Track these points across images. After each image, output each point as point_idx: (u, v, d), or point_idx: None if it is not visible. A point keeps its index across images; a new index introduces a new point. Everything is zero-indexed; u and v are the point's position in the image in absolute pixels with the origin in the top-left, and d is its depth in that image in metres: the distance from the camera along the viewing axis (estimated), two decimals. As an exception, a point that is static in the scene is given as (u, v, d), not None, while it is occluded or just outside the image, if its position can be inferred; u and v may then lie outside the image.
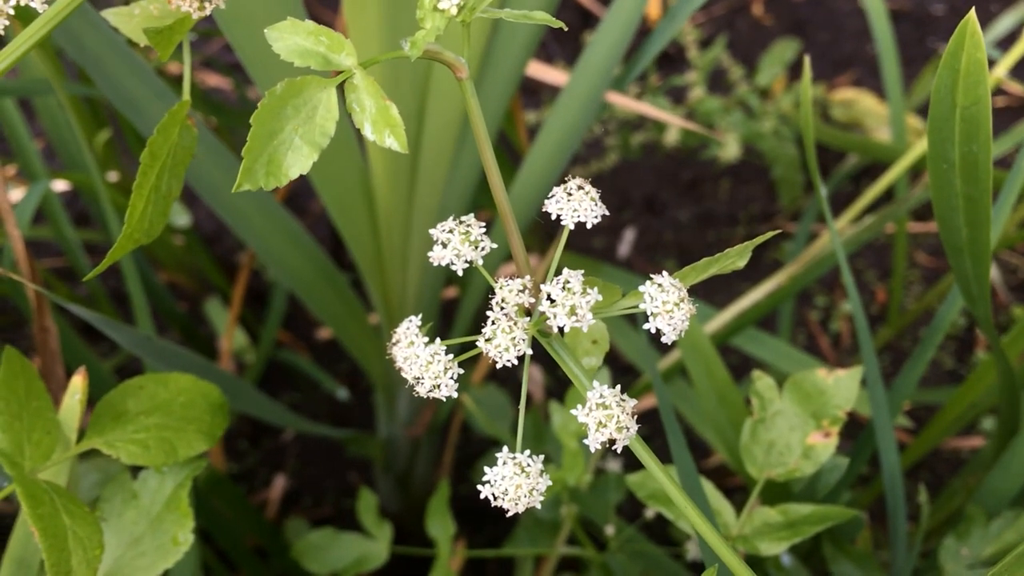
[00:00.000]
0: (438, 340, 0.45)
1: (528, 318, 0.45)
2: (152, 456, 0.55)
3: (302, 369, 1.37)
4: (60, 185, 1.41)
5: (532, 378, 1.28)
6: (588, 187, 0.47)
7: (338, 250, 1.45)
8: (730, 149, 1.49)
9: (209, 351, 1.35)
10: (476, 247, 0.47)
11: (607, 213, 0.48)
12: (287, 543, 1.14)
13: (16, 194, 1.27)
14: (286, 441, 1.36)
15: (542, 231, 1.39)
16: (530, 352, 0.44)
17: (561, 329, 0.44)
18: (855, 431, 1.29)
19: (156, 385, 0.59)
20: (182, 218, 1.13)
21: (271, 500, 1.29)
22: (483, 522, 1.26)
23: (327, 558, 0.89)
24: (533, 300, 0.45)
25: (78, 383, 0.56)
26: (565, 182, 0.47)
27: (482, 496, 0.44)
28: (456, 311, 1.16)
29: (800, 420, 0.73)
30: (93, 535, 0.49)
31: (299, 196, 1.59)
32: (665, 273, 0.44)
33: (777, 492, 0.76)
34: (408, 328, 0.45)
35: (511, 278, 0.45)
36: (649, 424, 1.34)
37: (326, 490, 1.32)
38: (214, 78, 1.70)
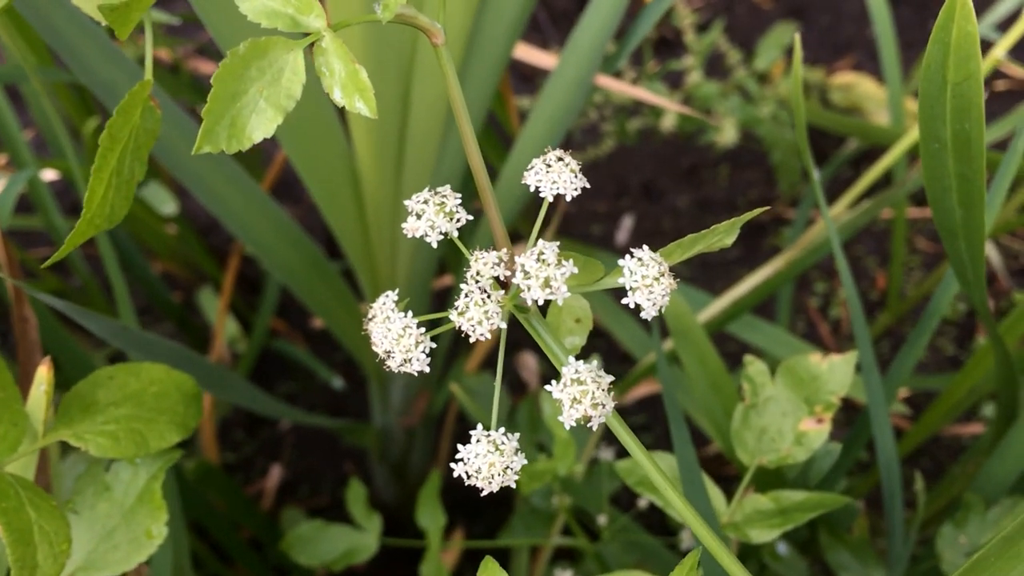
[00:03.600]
0: (410, 313, 0.44)
1: (503, 292, 0.44)
2: (122, 448, 0.54)
3: (297, 358, 1.36)
4: (50, 175, 1.40)
5: (526, 366, 1.27)
6: (568, 158, 0.46)
7: (331, 240, 1.44)
8: (728, 134, 1.47)
9: (203, 341, 1.34)
10: (451, 219, 0.45)
11: (588, 185, 0.46)
12: (283, 534, 1.13)
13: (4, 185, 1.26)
14: (282, 431, 1.35)
15: (534, 218, 1.37)
16: (504, 326, 0.43)
17: (537, 303, 0.42)
18: (854, 417, 1.28)
19: (127, 375, 0.57)
20: (168, 206, 1.11)
21: (267, 490, 1.28)
22: (480, 511, 1.25)
23: (316, 550, 0.88)
24: (509, 274, 0.44)
25: (44, 373, 0.55)
26: (545, 154, 0.46)
27: (455, 475, 0.43)
28: (450, 300, 1.15)
29: (793, 406, 0.71)
30: (60, 529, 0.48)
31: (290, 186, 1.58)
32: (646, 247, 0.43)
33: (770, 479, 0.75)
34: (384, 303, 0.44)
35: (487, 250, 0.44)
36: (645, 413, 1.33)
37: (322, 480, 1.31)
38: (208, 66, 1.69)
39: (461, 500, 1.24)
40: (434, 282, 1.32)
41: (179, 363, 0.67)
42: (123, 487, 0.56)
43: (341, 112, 0.88)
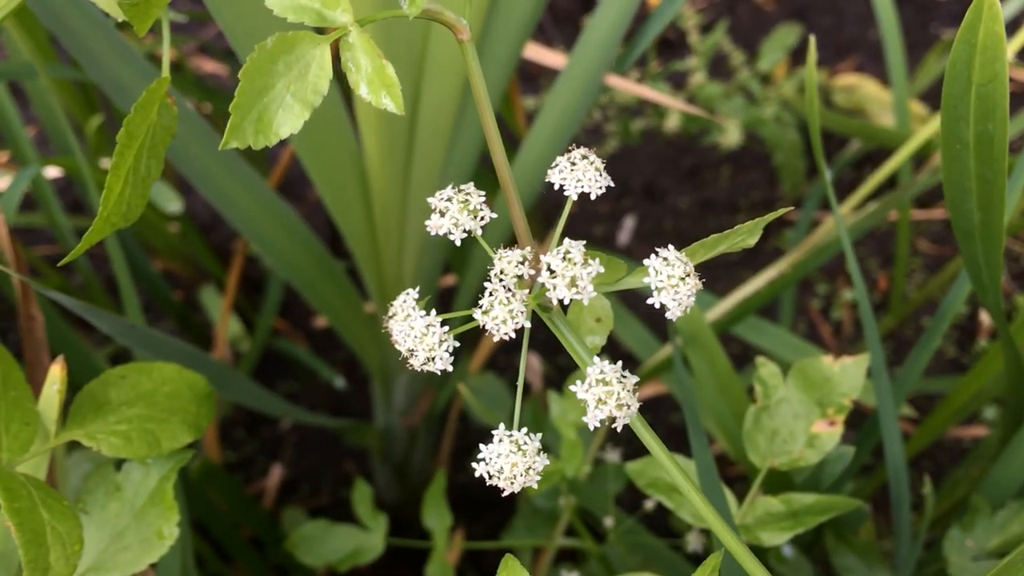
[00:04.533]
0: (433, 312, 0.43)
1: (527, 291, 0.44)
2: (134, 448, 0.53)
3: (299, 358, 1.36)
4: (53, 172, 1.39)
5: (531, 367, 1.26)
6: (593, 156, 0.45)
7: (335, 238, 1.43)
8: (731, 135, 1.47)
9: (204, 340, 1.34)
10: (475, 216, 0.45)
11: (612, 184, 0.46)
12: (284, 533, 1.13)
13: (8, 181, 1.25)
14: (283, 430, 1.35)
15: (541, 218, 1.37)
16: (528, 325, 0.43)
17: (561, 302, 0.42)
18: (858, 421, 1.28)
19: (139, 375, 0.57)
20: (174, 204, 1.11)
21: (268, 490, 1.28)
22: (482, 511, 1.25)
23: (321, 550, 0.87)
24: (533, 273, 0.43)
25: (57, 372, 0.54)
26: (569, 151, 0.46)
27: (476, 474, 0.43)
28: (454, 299, 1.14)
29: (805, 408, 0.71)
30: (72, 530, 0.48)
31: (295, 184, 1.57)
32: (671, 247, 0.43)
33: (779, 482, 0.75)
34: (405, 300, 0.44)
35: (511, 248, 0.44)
36: (649, 413, 1.32)
37: (323, 480, 1.31)
38: (210, 64, 1.68)
39: (462, 500, 1.24)
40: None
41: (185, 361, 0.66)
42: (134, 487, 0.56)
43: (350, 109, 0.87)
